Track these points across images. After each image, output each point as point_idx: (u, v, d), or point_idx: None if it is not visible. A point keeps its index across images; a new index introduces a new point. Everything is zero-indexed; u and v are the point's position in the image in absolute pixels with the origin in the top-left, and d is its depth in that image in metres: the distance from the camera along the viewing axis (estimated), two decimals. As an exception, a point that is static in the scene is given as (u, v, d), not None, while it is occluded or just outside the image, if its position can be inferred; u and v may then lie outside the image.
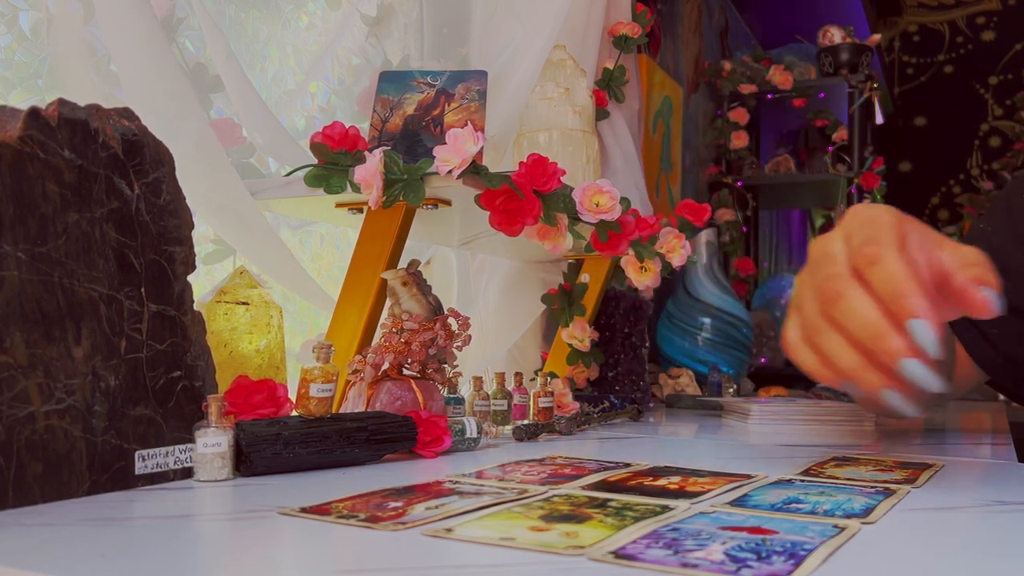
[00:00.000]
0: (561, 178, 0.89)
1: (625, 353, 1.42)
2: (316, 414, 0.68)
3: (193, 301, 0.65)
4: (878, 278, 0.53)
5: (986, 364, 0.94)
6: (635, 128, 1.71)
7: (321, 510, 0.51)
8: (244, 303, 0.88)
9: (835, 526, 0.48)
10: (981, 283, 0.55)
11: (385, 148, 0.84)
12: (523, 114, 1.27)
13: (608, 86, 1.59)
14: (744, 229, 2.66)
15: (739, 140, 2.51)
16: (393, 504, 0.53)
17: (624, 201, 1.00)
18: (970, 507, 0.57)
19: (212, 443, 0.61)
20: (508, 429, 0.97)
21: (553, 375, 1.22)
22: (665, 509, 0.52)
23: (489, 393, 0.97)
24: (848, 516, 0.51)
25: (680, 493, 0.58)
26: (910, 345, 0.52)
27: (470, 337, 0.89)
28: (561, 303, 1.37)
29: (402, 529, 0.47)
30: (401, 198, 0.84)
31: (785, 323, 0.61)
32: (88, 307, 0.56)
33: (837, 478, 0.66)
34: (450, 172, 0.83)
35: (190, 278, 0.65)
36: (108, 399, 0.57)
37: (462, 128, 0.84)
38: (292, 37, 1.19)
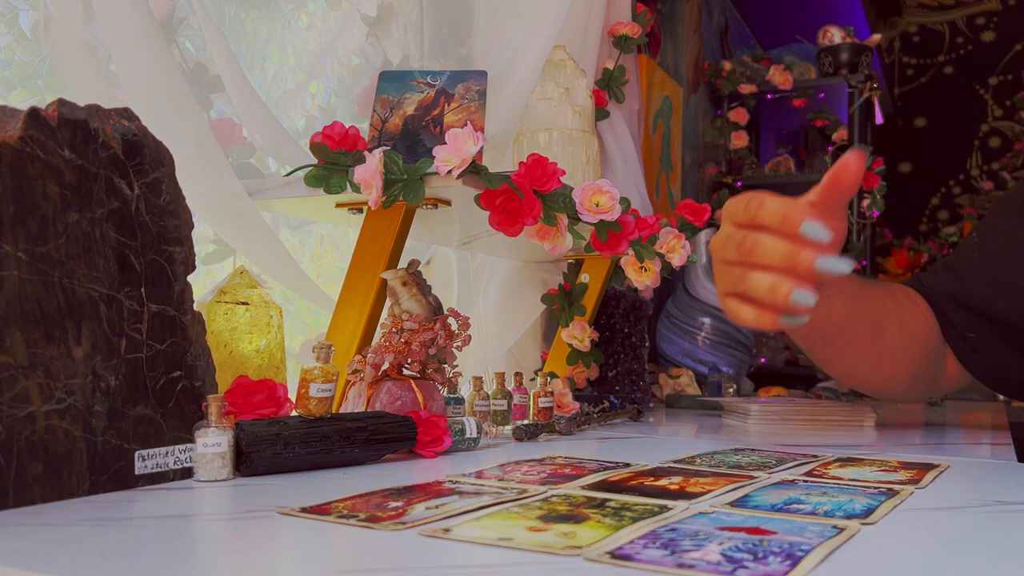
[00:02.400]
0: (561, 178, 0.89)
1: (625, 353, 1.42)
2: (316, 414, 0.69)
3: (193, 301, 0.65)
4: (768, 215, 0.67)
5: (968, 364, 0.97)
6: (635, 128, 1.71)
7: (321, 510, 0.51)
8: (244, 303, 0.88)
9: (834, 527, 0.48)
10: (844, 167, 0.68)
11: (385, 148, 0.84)
12: (523, 114, 1.27)
13: (608, 86, 1.59)
14: (744, 229, 2.66)
15: (739, 140, 2.51)
16: (393, 504, 0.53)
17: (624, 201, 1.01)
18: (970, 507, 0.57)
19: (212, 443, 0.61)
20: (508, 429, 0.97)
21: (553, 375, 1.22)
22: (663, 509, 0.52)
23: (489, 393, 0.97)
24: (848, 517, 0.51)
25: (680, 493, 0.58)
26: (815, 248, 0.66)
27: (470, 337, 0.89)
28: (561, 303, 1.37)
29: (402, 529, 0.47)
30: (401, 198, 0.84)
31: (721, 303, 0.76)
32: (88, 307, 0.56)
33: (841, 479, 0.66)
34: (450, 172, 0.83)
35: (190, 278, 0.65)
36: (108, 399, 0.57)
37: (462, 128, 0.84)
38: (292, 37, 1.19)
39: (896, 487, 0.62)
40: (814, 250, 0.66)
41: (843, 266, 0.66)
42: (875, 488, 0.62)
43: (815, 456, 0.79)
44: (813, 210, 0.68)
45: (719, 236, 0.73)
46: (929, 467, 0.72)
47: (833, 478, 0.66)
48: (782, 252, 0.67)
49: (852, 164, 0.67)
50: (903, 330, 0.94)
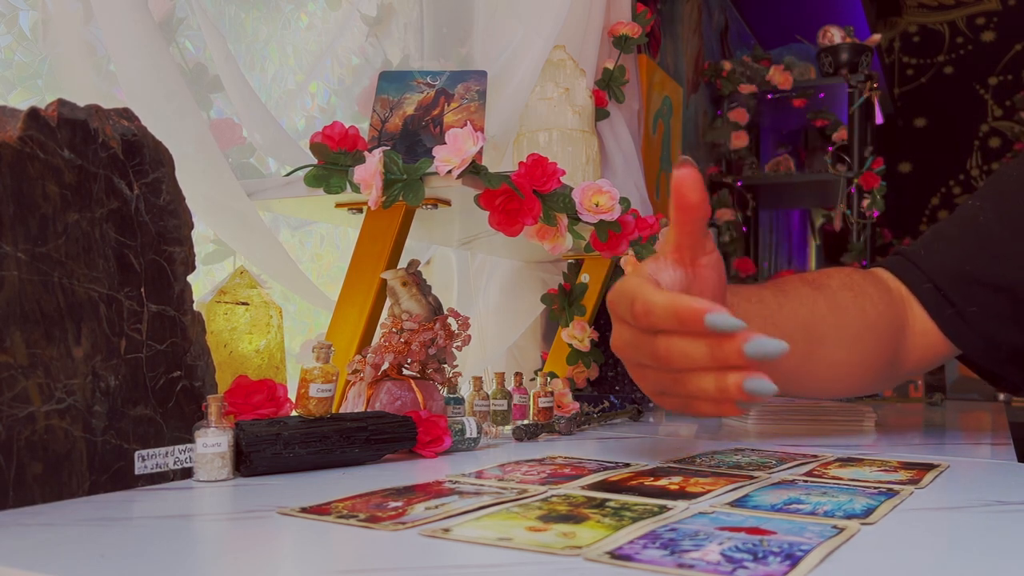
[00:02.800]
0: (561, 178, 0.89)
1: (625, 353, 1.42)
2: (316, 414, 0.69)
3: (193, 301, 0.65)
4: (661, 320, 0.57)
5: (961, 342, 0.91)
6: (635, 128, 1.71)
7: (321, 510, 0.51)
8: (244, 303, 0.88)
9: (834, 527, 0.48)
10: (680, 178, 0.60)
11: (385, 148, 0.84)
12: (523, 114, 1.27)
13: (608, 86, 1.59)
14: (744, 229, 2.66)
15: (739, 140, 2.51)
16: (393, 504, 0.53)
17: (624, 201, 1.01)
18: (970, 507, 0.57)
19: (212, 443, 0.61)
20: (508, 429, 0.97)
21: (553, 375, 1.22)
22: (663, 509, 0.52)
23: (489, 393, 0.97)
24: (848, 517, 0.51)
25: (680, 493, 0.58)
26: (736, 337, 0.56)
27: (470, 337, 0.89)
28: (561, 303, 1.37)
29: (402, 529, 0.47)
30: (401, 198, 0.84)
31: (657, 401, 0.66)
32: (88, 307, 0.56)
33: (841, 479, 0.66)
34: (450, 172, 0.83)
35: (190, 278, 0.65)
36: (108, 399, 0.57)
37: (462, 128, 0.84)
38: (292, 37, 1.19)
39: (896, 487, 0.62)
40: (737, 339, 0.55)
41: (775, 347, 0.55)
42: (875, 488, 0.62)
43: (815, 456, 0.79)
44: (679, 251, 0.63)
45: (618, 339, 0.63)
46: (929, 467, 0.72)
47: (833, 478, 0.66)
48: (702, 354, 0.57)
49: (687, 178, 0.60)
50: (844, 332, 0.85)
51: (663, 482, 0.62)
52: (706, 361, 0.57)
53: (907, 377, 0.97)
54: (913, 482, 0.65)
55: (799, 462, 0.74)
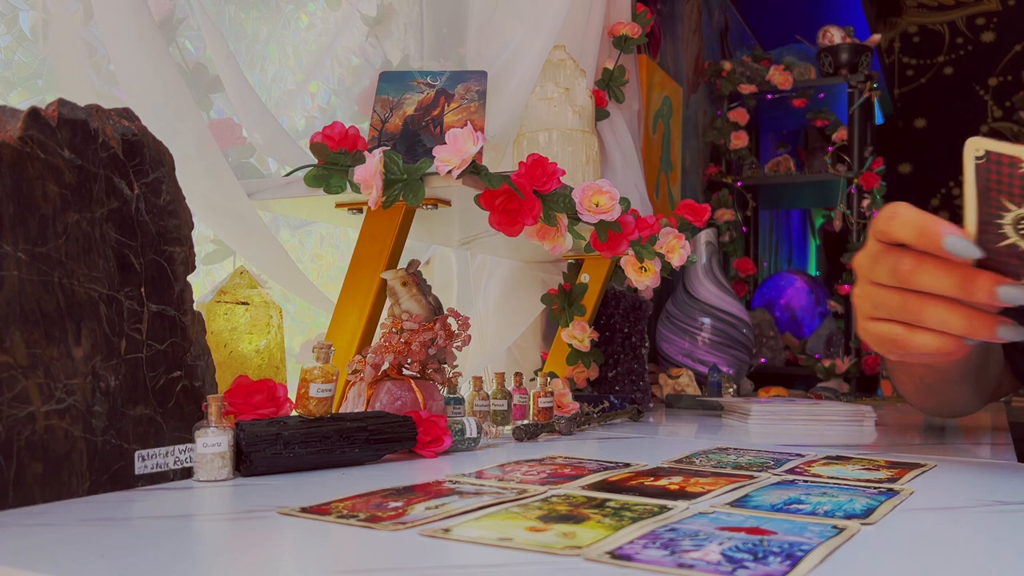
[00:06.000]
0: (561, 178, 0.89)
1: (625, 353, 1.42)
2: (316, 414, 0.69)
3: (193, 301, 0.65)
4: (901, 225, 0.58)
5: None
6: (635, 128, 1.71)
7: (321, 510, 0.51)
8: (244, 303, 0.88)
9: (834, 527, 0.48)
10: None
11: (385, 148, 0.84)
12: (523, 114, 1.27)
13: (608, 86, 1.59)
14: (744, 229, 2.66)
15: (739, 140, 2.51)
16: (393, 504, 0.53)
17: (624, 201, 1.00)
18: (970, 507, 0.57)
19: (212, 443, 0.61)
20: (508, 429, 0.97)
21: (553, 375, 1.22)
22: (663, 509, 0.52)
23: (489, 393, 0.97)
24: (848, 517, 0.51)
25: (680, 493, 0.58)
26: (989, 277, 0.56)
27: (470, 337, 0.89)
28: (561, 303, 1.37)
29: (402, 529, 0.47)
30: (401, 198, 0.84)
31: (863, 327, 0.65)
32: (88, 307, 0.56)
33: (820, 476, 0.66)
34: (450, 172, 0.83)
35: (190, 278, 0.65)
36: (108, 399, 0.57)
37: (462, 128, 0.84)
38: (292, 37, 1.19)
39: (884, 486, 0.62)
40: (989, 280, 0.56)
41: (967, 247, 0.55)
42: (875, 488, 0.62)
43: (800, 455, 0.79)
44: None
45: (863, 253, 0.63)
46: (914, 466, 0.72)
47: (814, 476, 0.66)
48: (951, 283, 0.56)
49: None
50: (986, 386, 0.90)
51: (663, 482, 0.62)
52: (952, 291, 0.56)
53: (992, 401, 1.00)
54: (892, 480, 0.65)
55: (782, 460, 0.74)
